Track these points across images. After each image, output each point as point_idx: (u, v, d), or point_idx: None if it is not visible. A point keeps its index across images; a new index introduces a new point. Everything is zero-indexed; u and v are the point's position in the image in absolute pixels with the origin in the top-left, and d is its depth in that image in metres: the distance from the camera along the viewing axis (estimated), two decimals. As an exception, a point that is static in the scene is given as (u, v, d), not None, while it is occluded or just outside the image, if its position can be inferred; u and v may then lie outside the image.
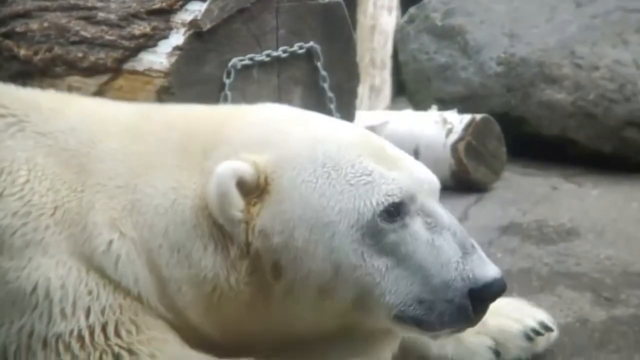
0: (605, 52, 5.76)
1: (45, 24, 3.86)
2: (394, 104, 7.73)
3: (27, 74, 3.81)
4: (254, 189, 2.31)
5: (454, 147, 5.30)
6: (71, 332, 2.31)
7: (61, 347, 2.31)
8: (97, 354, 2.32)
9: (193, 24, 3.54)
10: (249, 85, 3.72)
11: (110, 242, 2.37)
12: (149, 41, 3.60)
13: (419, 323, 2.30)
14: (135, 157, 2.46)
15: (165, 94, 3.50)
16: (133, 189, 2.42)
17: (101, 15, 3.76)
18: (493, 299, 2.33)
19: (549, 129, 5.87)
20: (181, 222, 2.36)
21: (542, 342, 2.88)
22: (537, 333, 2.86)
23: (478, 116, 5.41)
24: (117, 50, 3.66)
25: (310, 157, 2.34)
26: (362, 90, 7.28)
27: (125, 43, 3.65)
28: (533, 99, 5.91)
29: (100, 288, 2.35)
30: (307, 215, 2.28)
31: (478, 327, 2.42)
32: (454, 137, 5.33)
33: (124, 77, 3.65)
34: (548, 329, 2.90)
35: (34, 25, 3.89)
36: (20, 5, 4.01)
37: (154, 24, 3.63)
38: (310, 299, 2.32)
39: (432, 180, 2.46)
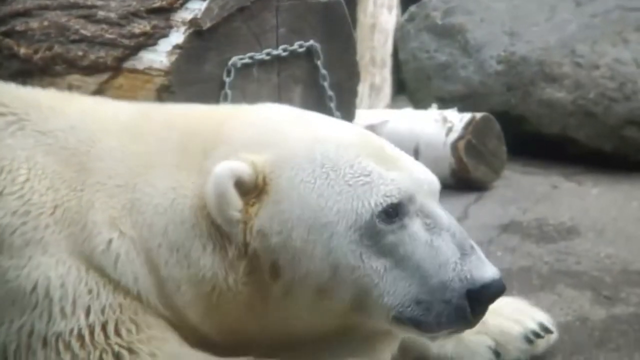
0: (606, 51, 5.76)
1: (46, 23, 3.86)
2: (394, 103, 7.73)
3: (27, 73, 3.82)
4: (252, 189, 2.30)
5: (454, 146, 5.30)
6: (71, 331, 2.31)
7: (61, 346, 2.31)
8: (97, 352, 2.32)
9: (193, 22, 3.54)
10: (249, 84, 3.72)
11: (110, 241, 2.37)
12: (149, 40, 3.60)
13: (417, 324, 2.29)
14: (135, 156, 2.46)
15: (165, 93, 3.50)
16: (133, 188, 2.42)
17: (101, 13, 3.76)
18: (491, 300, 2.32)
19: (549, 128, 5.87)
20: (180, 221, 2.36)
21: (541, 345, 2.88)
22: (537, 335, 2.85)
23: (478, 115, 5.41)
24: (117, 49, 3.66)
25: (309, 158, 2.33)
26: (362, 88, 7.28)
27: (126, 42, 3.65)
28: (533, 98, 5.91)
29: (100, 287, 2.35)
30: (305, 215, 2.28)
31: (478, 326, 2.41)
32: (454, 135, 5.33)
33: (124, 75, 3.65)
34: (548, 331, 2.89)
35: (34, 23, 3.89)
36: (20, 4, 4.01)
37: (154, 22, 3.63)
38: (309, 299, 2.32)
39: (432, 181, 2.45)
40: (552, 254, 4.09)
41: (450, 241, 2.31)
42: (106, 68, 3.67)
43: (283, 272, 2.30)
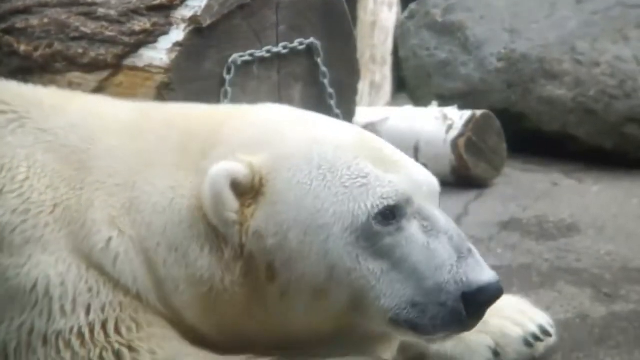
0: (606, 48, 5.75)
1: (46, 20, 3.86)
2: (395, 100, 7.73)
3: (27, 70, 3.82)
4: (248, 190, 2.30)
5: (455, 143, 5.30)
6: (71, 329, 2.31)
7: (61, 344, 2.31)
8: (97, 351, 2.32)
9: (193, 20, 3.54)
10: (249, 82, 3.72)
11: (109, 240, 2.36)
12: (149, 37, 3.60)
13: (413, 326, 2.28)
14: (134, 155, 2.46)
15: (165, 90, 3.50)
16: (132, 187, 2.41)
17: (101, 11, 3.76)
18: (488, 303, 2.30)
19: (550, 125, 5.87)
20: (178, 221, 2.36)
21: (540, 348, 2.87)
22: (537, 339, 2.83)
23: (478, 112, 5.41)
24: (117, 46, 3.66)
25: (306, 159, 2.32)
26: (363, 86, 7.28)
27: (126, 39, 3.65)
28: (533, 95, 5.91)
29: (100, 285, 2.34)
30: (302, 217, 2.27)
31: (479, 326, 2.39)
32: (454, 133, 5.33)
33: (124, 73, 3.65)
34: (548, 334, 2.88)
35: (34, 21, 3.89)
36: (20, 1, 4.01)
37: (154, 20, 3.63)
38: (305, 301, 2.31)
39: (431, 183, 2.43)
40: (552, 251, 4.09)
41: (447, 244, 2.29)
42: (106, 65, 3.67)
43: (279, 273, 2.29)
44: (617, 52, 5.71)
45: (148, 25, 3.62)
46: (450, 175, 5.23)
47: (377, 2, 7.95)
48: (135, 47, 3.62)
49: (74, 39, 3.77)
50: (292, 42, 3.81)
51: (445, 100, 6.00)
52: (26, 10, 3.96)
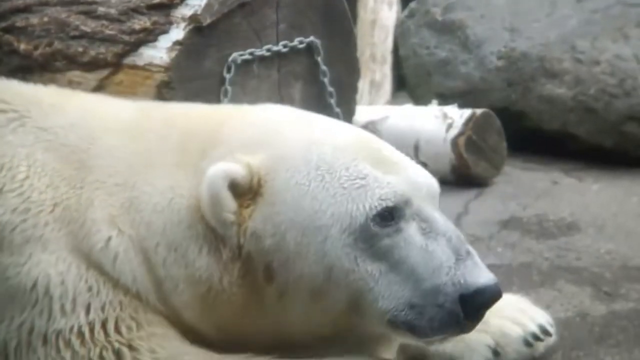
0: (606, 47, 5.75)
1: (46, 19, 3.87)
2: (395, 99, 7.73)
3: (27, 69, 3.82)
4: (246, 191, 2.29)
5: (455, 142, 5.29)
6: (71, 328, 2.31)
7: (61, 344, 2.31)
8: (98, 350, 2.32)
9: (193, 18, 3.54)
10: (249, 80, 3.72)
11: (109, 239, 2.36)
12: (149, 36, 3.60)
13: (410, 328, 2.28)
14: (134, 154, 2.46)
15: (165, 89, 3.51)
16: (132, 186, 2.41)
17: (101, 9, 3.77)
18: (486, 306, 2.29)
19: (550, 124, 5.87)
20: (177, 221, 2.35)
21: (540, 348, 2.87)
22: (537, 338, 2.83)
23: (478, 111, 5.40)
24: (117, 45, 3.66)
25: (305, 159, 2.32)
26: (363, 85, 7.28)
27: (126, 38, 3.65)
28: (533, 94, 5.90)
29: (100, 284, 2.34)
30: (299, 218, 2.27)
31: (480, 325, 2.39)
32: (454, 131, 5.33)
33: (124, 71, 3.65)
34: (548, 334, 2.88)
35: (34, 19, 3.90)
36: (20, 0, 4.01)
37: (154, 18, 3.63)
38: (303, 302, 2.30)
39: (431, 184, 2.42)
40: (552, 249, 4.09)
41: (445, 246, 2.28)
42: (106, 64, 3.68)
43: (277, 274, 2.29)
44: (617, 51, 5.71)
45: (148, 24, 3.62)
46: (450, 174, 5.23)
47: (377, 0, 7.95)
48: (135, 46, 3.63)
49: (74, 37, 3.77)
50: (292, 41, 3.82)
51: (445, 98, 5.99)
52: (26, 9, 3.96)
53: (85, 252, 2.36)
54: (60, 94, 2.77)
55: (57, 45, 3.78)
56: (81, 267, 2.34)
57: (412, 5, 7.00)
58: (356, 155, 2.34)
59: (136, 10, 3.69)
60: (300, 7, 3.85)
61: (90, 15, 3.79)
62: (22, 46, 3.86)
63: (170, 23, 3.58)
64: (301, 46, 3.85)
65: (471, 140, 5.30)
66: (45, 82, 2.97)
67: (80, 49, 3.72)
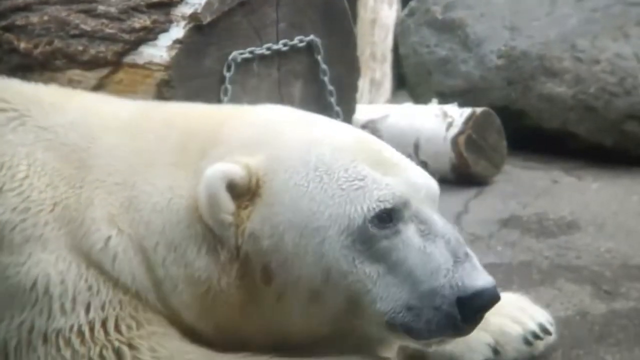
0: (606, 46, 5.75)
1: (46, 17, 3.86)
2: (395, 98, 7.72)
3: (27, 67, 3.82)
4: (245, 192, 2.29)
5: (455, 141, 5.29)
6: (71, 327, 2.31)
7: (61, 343, 2.31)
8: (98, 349, 2.32)
9: (193, 17, 3.54)
10: (249, 79, 3.72)
11: (108, 238, 2.36)
12: (149, 34, 3.60)
13: (408, 330, 2.28)
14: (134, 154, 2.46)
15: (165, 88, 3.51)
16: (132, 185, 2.41)
17: (101, 8, 3.77)
18: (483, 309, 2.29)
19: (550, 123, 5.86)
20: (176, 221, 2.35)
21: (540, 346, 2.87)
22: (537, 337, 2.83)
23: (478, 109, 5.40)
24: (117, 44, 3.66)
25: (303, 160, 2.31)
26: (363, 83, 7.27)
27: (126, 36, 3.65)
28: (533, 92, 5.90)
29: (100, 283, 2.34)
30: (297, 219, 2.26)
31: (480, 324, 2.40)
32: (454, 130, 5.33)
33: (124, 70, 3.65)
34: (547, 332, 2.88)
35: (34, 18, 3.89)
36: (20, -1, 4.01)
37: (154, 17, 3.63)
38: (302, 303, 2.30)
39: (430, 186, 2.41)
40: (552, 248, 4.09)
41: (444, 248, 2.28)
42: (106, 63, 3.67)
43: (275, 275, 2.28)
44: (617, 50, 5.71)
45: (148, 23, 3.62)
46: (450, 173, 5.23)
47: (377, -1, 7.95)
48: (135, 45, 3.63)
49: (74, 36, 3.77)
50: (292, 40, 3.81)
51: (445, 97, 5.99)
52: (26, 8, 3.96)
53: (85, 251, 2.36)
54: (60, 93, 2.77)
55: (57, 43, 3.78)
56: (81, 266, 2.34)
57: (412, 3, 6.99)
58: (355, 157, 2.33)
59: (136, 9, 3.69)
60: (300, 5, 3.85)
61: (90, 13, 3.79)
62: (22, 45, 3.86)
63: (170, 21, 3.58)
64: (301, 45, 3.85)
65: (471, 139, 5.29)
66: (45, 81, 2.98)
67: (80, 48, 3.72)
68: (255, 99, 3.59)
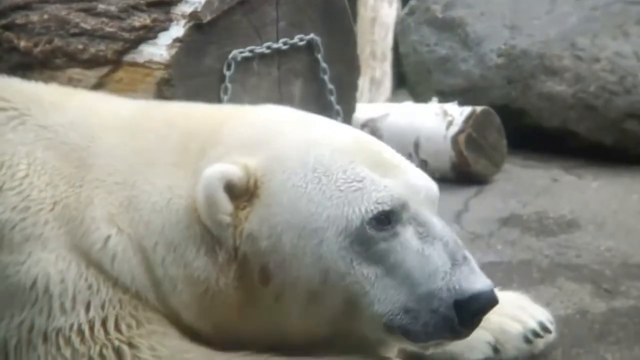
0: (606, 44, 5.75)
1: (46, 16, 3.86)
2: (395, 96, 7.72)
3: (27, 66, 3.82)
4: (243, 193, 2.28)
5: (455, 140, 5.29)
6: (71, 326, 2.31)
7: (61, 342, 2.31)
8: (98, 348, 2.32)
9: (193, 15, 3.54)
10: (249, 78, 3.72)
11: (108, 238, 2.36)
12: (149, 33, 3.60)
13: (405, 332, 2.27)
14: (134, 153, 2.45)
15: (165, 86, 3.51)
16: (131, 185, 2.40)
17: (101, 7, 3.77)
18: (481, 312, 2.28)
19: (550, 121, 5.86)
20: (176, 221, 2.35)
21: (540, 345, 2.87)
22: (537, 335, 2.83)
23: (478, 108, 5.40)
24: (117, 42, 3.66)
25: (302, 161, 2.31)
26: (363, 82, 7.26)
27: (126, 35, 3.65)
28: (533, 91, 5.90)
29: (100, 282, 2.34)
30: (295, 220, 2.26)
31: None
32: (454, 129, 5.32)
33: (124, 69, 3.65)
34: (547, 330, 2.88)
35: (34, 17, 3.89)
36: (20, -2, 4.01)
37: (154, 15, 3.63)
38: (300, 304, 2.29)
39: (429, 188, 2.40)
40: (552, 247, 4.09)
41: (442, 250, 2.27)
42: (106, 61, 3.67)
43: (273, 276, 2.28)
44: (617, 48, 5.71)
45: (148, 21, 3.62)
46: (450, 172, 5.23)
47: (377, -2, 7.95)
48: (135, 43, 3.63)
49: (74, 35, 3.77)
50: (292, 38, 3.81)
51: (445, 96, 5.99)
52: (26, 6, 3.96)
53: (85, 251, 2.36)
54: (60, 92, 2.77)
55: (57, 42, 3.78)
56: (81, 265, 2.34)
57: (412, 2, 6.99)
58: (354, 158, 2.32)
59: (136, 8, 3.69)
60: (300, 4, 3.85)
61: (90, 12, 3.79)
62: (22, 43, 3.86)
63: (170, 20, 3.58)
64: (301, 44, 3.85)
65: (471, 137, 5.29)
66: (45, 80, 2.98)
67: (80, 47, 3.72)
68: (255, 98, 3.59)
